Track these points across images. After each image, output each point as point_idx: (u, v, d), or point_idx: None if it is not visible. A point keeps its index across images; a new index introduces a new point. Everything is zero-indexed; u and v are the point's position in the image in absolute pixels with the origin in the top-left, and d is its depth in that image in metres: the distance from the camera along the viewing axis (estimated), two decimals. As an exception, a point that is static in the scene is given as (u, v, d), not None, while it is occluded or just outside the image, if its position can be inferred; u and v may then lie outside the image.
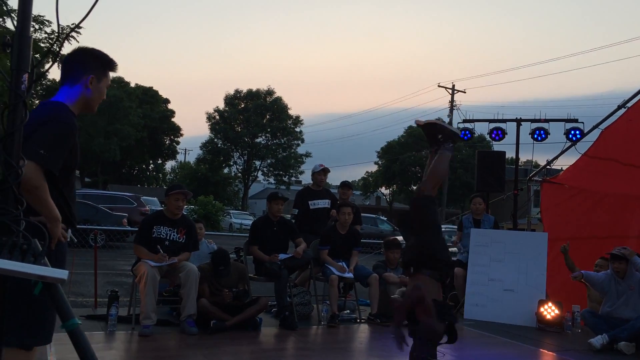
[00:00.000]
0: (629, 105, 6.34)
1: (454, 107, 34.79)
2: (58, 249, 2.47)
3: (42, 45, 16.00)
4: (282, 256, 6.04)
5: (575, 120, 7.52)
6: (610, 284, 5.88)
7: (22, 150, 1.90)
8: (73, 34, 11.37)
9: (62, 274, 1.74)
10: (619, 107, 6.45)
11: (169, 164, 59.73)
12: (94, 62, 2.51)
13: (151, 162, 53.49)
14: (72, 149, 2.45)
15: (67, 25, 8.55)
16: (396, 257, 6.84)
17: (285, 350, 5.03)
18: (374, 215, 27.14)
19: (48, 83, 42.40)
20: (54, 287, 1.78)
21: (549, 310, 6.40)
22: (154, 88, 48.24)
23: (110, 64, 2.59)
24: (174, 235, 5.44)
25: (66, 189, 2.51)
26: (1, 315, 1.79)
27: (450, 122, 35.66)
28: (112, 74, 2.65)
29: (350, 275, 6.29)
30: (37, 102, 38.47)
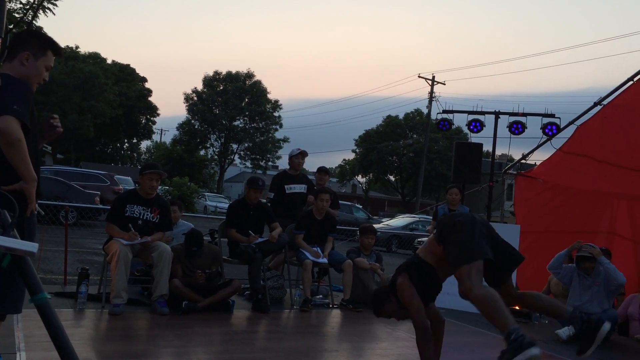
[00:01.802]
0: (605, 102, 6.42)
1: (433, 98, 34.97)
2: (28, 222, 2.42)
3: (17, 15, 15.58)
4: (257, 240, 6.01)
5: (552, 116, 7.62)
6: (573, 278, 6.00)
7: None
8: (49, 5, 11.08)
9: (31, 246, 1.69)
10: (595, 104, 6.53)
11: (145, 144, 59.01)
12: (32, 40, 2.63)
13: (126, 141, 52.72)
14: (32, 112, 2.51)
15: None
16: (370, 243, 6.88)
17: (257, 333, 5.02)
18: (349, 203, 27.23)
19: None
20: (23, 260, 1.73)
21: (518, 301, 6.51)
22: (131, 66, 47.48)
23: (51, 45, 2.68)
24: (147, 214, 5.36)
25: (30, 154, 2.49)
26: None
27: (429, 113, 35.86)
28: (54, 57, 2.72)
29: (325, 260, 6.30)
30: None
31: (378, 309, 3.62)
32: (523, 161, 8.05)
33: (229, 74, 47.49)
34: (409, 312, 3.40)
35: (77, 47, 42.76)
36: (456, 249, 3.26)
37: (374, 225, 8.72)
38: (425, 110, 39.88)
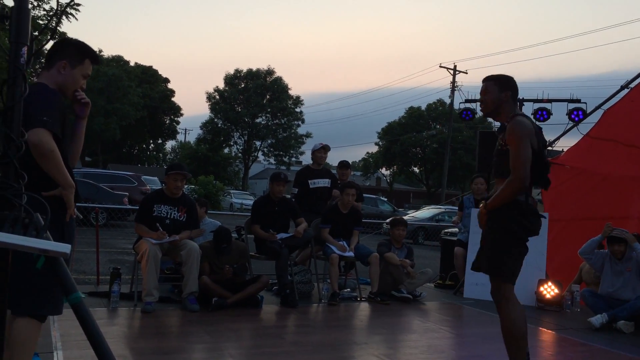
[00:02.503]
0: (632, 85, 6.28)
1: (456, 88, 34.57)
2: (68, 226, 2.49)
3: (41, 22, 15.87)
4: (282, 235, 6.05)
5: (578, 101, 7.48)
6: (605, 264, 5.91)
7: (23, 123, 1.92)
8: (71, 10, 11.28)
9: (64, 247, 1.74)
10: (622, 88, 6.40)
11: (169, 144, 59.69)
12: (70, 48, 2.65)
13: (151, 141, 53.42)
14: (63, 120, 2.55)
15: (65, 2, 8.46)
16: (401, 235, 6.80)
17: (286, 327, 5.07)
18: (374, 196, 27.18)
19: (47, 62, 42.17)
20: (57, 261, 1.78)
21: (549, 290, 6.44)
22: (154, 67, 48.04)
23: (88, 53, 2.70)
24: (174, 213, 5.44)
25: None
26: (3, 287, 1.80)
27: (451, 103, 35.49)
28: (92, 65, 2.74)
29: (351, 254, 6.31)
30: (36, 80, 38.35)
31: None
32: (550, 148, 7.92)
33: (249, 71, 47.72)
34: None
35: (100, 51, 43.45)
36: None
37: (396, 217, 8.67)
38: (447, 100, 39.51)
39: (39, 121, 2.27)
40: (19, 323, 2.33)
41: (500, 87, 3.57)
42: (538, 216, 3.49)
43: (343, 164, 7.44)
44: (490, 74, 3.69)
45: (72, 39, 2.74)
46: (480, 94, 3.65)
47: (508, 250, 3.46)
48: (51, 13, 16.80)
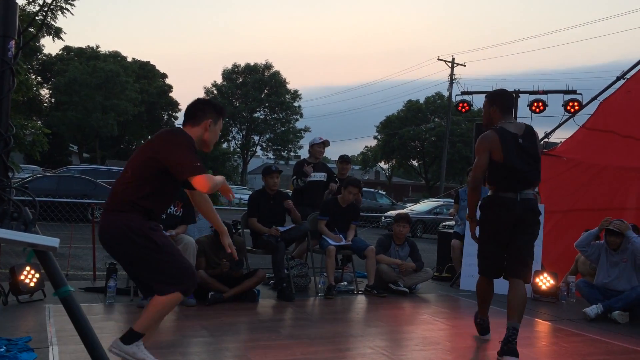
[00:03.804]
0: (628, 76, 6.28)
1: (454, 81, 34.55)
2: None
3: (37, 19, 15.80)
4: (281, 229, 6.06)
5: (574, 92, 7.48)
6: (601, 255, 5.92)
7: (189, 171, 2.72)
8: (67, 5, 11.23)
9: (52, 241, 1.74)
10: (618, 79, 6.39)
11: (167, 140, 59.49)
12: (210, 108, 3.10)
13: (149, 137, 53.29)
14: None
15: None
16: (402, 232, 6.69)
17: (282, 321, 5.08)
18: (373, 190, 27.17)
19: (44, 58, 42.03)
20: (46, 255, 1.78)
21: (544, 281, 6.46)
22: (151, 62, 47.90)
23: (223, 112, 3.19)
24: (171, 208, 5.44)
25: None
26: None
27: (450, 96, 35.46)
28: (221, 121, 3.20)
29: (348, 242, 6.32)
30: (32, 76, 38.16)
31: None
32: (547, 140, 7.92)
33: (247, 66, 47.61)
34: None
35: (97, 47, 43.33)
36: None
37: (400, 211, 8.62)
38: (446, 93, 39.48)
39: (196, 168, 2.75)
40: (169, 297, 2.81)
41: (489, 103, 4.24)
42: (504, 206, 4.11)
43: (343, 159, 7.41)
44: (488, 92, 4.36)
45: (208, 99, 3.23)
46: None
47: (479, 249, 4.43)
48: (45, 8, 16.74)
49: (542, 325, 5.26)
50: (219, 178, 2.91)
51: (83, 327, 1.75)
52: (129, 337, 2.86)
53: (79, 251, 8.27)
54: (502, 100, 4.22)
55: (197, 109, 3.07)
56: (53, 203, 8.07)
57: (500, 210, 4.10)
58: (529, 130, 4.16)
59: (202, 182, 2.72)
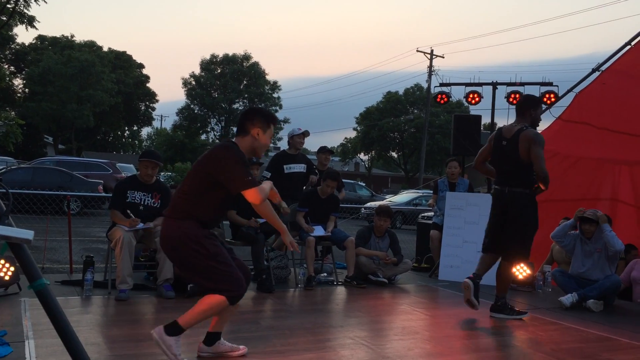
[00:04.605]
0: (603, 68, 6.36)
1: (433, 72, 34.72)
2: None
3: (9, 6, 15.44)
4: (260, 220, 6.04)
5: (550, 84, 7.56)
6: (576, 245, 6.02)
7: (241, 186, 2.96)
8: (40, -6, 11.01)
9: (26, 234, 1.70)
10: (594, 71, 6.46)
11: (145, 131, 58.91)
12: (259, 117, 3.25)
13: (126, 128, 52.63)
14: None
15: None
16: (383, 225, 6.69)
17: (262, 312, 5.07)
18: (352, 181, 27.26)
19: (17, 47, 41.11)
20: (20, 248, 1.75)
21: (521, 271, 6.55)
22: (128, 52, 47.18)
23: (272, 119, 3.32)
24: (148, 200, 5.38)
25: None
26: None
27: (428, 87, 35.63)
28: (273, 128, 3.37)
29: (328, 233, 6.33)
30: (5, 66, 37.31)
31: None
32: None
33: (226, 56, 47.17)
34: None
35: (72, 36, 42.47)
36: None
37: (382, 203, 8.62)
38: (425, 85, 39.66)
39: (249, 182, 2.99)
40: (218, 299, 3.06)
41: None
42: (494, 195, 5.08)
43: (325, 150, 7.38)
44: None
45: (261, 109, 3.39)
46: None
47: None
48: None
49: (519, 314, 5.33)
50: (267, 186, 3.17)
51: (59, 320, 1.72)
52: (173, 329, 3.10)
53: (55, 244, 8.15)
54: (517, 104, 5.12)
55: (245, 119, 3.27)
56: (28, 195, 7.93)
57: (493, 198, 5.07)
58: (515, 135, 4.80)
59: (254, 195, 2.99)
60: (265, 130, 3.27)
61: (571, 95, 6.79)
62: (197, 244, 3.05)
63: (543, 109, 7.46)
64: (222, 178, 3.03)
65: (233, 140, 3.27)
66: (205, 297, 3.09)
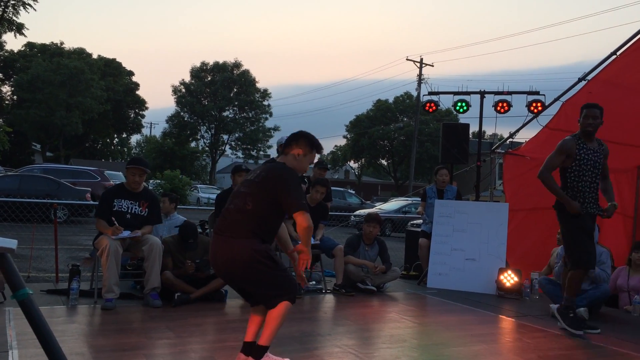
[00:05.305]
0: (589, 78, 6.43)
1: (422, 81, 34.91)
2: None
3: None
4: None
5: (537, 93, 7.62)
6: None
7: (296, 208, 3.13)
8: (29, 1, 10.93)
9: (10, 243, 1.69)
10: (580, 80, 6.54)
11: (134, 138, 58.66)
12: (303, 140, 3.42)
13: (115, 136, 52.38)
14: None
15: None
16: (372, 232, 6.68)
17: (250, 321, 5.04)
18: (342, 189, 27.28)
19: (6, 54, 40.86)
20: (3, 257, 1.73)
21: (509, 278, 6.58)
22: (117, 60, 47.04)
23: (316, 146, 3.47)
24: (136, 208, 5.35)
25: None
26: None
27: (418, 96, 35.82)
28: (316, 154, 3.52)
29: (317, 241, 6.32)
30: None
31: None
32: (513, 140, 8.06)
33: (216, 64, 47.18)
34: None
35: (61, 43, 42.35)
36: None
37: (371, 211, 8.64)
38: (414, 93, 39.88)
39: (302, 205, 3.16)
40: (281, 306, 3.24)
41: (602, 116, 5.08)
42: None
43: (321, 166, 7.31)
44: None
45: (309, 134, 3.48)
46: (594, 117, 5.04)
47: None
48: (9, 4, 16.29)
49: (506, 322, 5.36)
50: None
51: (42, 330, 1.71)
52: (258, 353, 3.27)
53: (41, 252, 8.07)
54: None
55: (292, 139, 3.46)
56: (14, 203, 7.86)
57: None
58: None
59: (303, 219, 3.16)
60: (307, 154, 3.43)
61: (558, 104, 6.86)
62: (267, 258, 3.20)
63: (530, 117, 7.56)
64: (282, 197, 3.19)
65: (278, 160, 3.44)
66: (271, 311, 3.25)
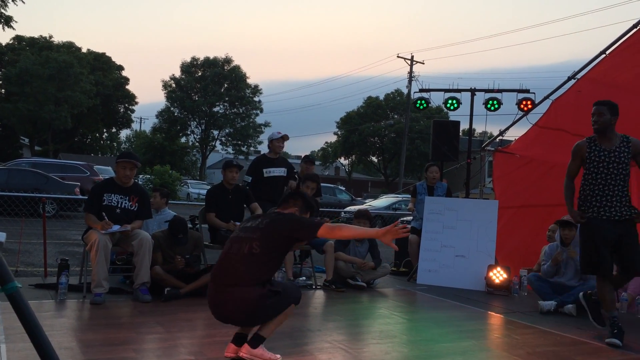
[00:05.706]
0: (578, 76, 6.48)
1: (413, 78, 35.00)
2: None
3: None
4: (238, 224, 6.01)
5: (527, 91, 7.67)
6: (553, 253, 6.09)
7: (314, 231, 3.23)
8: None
9: (-1, 236, 1.68)
10: (569, 79, 6.58)
11: (124, 133, 58.28)
12: (302, 202, 3.58)
13: (105, 130, 52.01)
14: None
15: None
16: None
17: (240, 317, 5.04)
18: (332, 185, 27.30)
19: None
20: (-9, 250, 1.72)
21: (498, 275, 6.63)
22: (107, 54, 46.67)
23: (311, 208, 3.63)
24: (125, 203, 5.32)
25: None
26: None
27: (409, 93, 35.89)
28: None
29: None
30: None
31: None
32: (503, 137, 8.11)
33: (206, 59, 46.94)
34: None
35: (50, 37, 41.89)
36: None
37: (361, 207, 8.68)
38: (405, 91, 39.96)
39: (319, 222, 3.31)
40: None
41: (611, 112, 4.61)
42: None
43: (308, 160, 7.36)
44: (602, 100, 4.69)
45: (303, 194, 3.70)
46: (599, 114, 4.61)
47: None
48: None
49: (495, 318, 5.40)
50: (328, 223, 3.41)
51: (31, 324, 1.69)
52: (256, 341, 3.33)
53: (29, 247, 8.02)
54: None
55: (289, 196, 3.64)
56: (2, 197, 7.80)
57: None
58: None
59: (325, 232, 3.26)
60: (301, 214, 3.54)
61: (547, 103, 6.90)
62: (273, 294, 3.30)
63: (520, 115, 7.61)
64: (297, 232, 3.32)
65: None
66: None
